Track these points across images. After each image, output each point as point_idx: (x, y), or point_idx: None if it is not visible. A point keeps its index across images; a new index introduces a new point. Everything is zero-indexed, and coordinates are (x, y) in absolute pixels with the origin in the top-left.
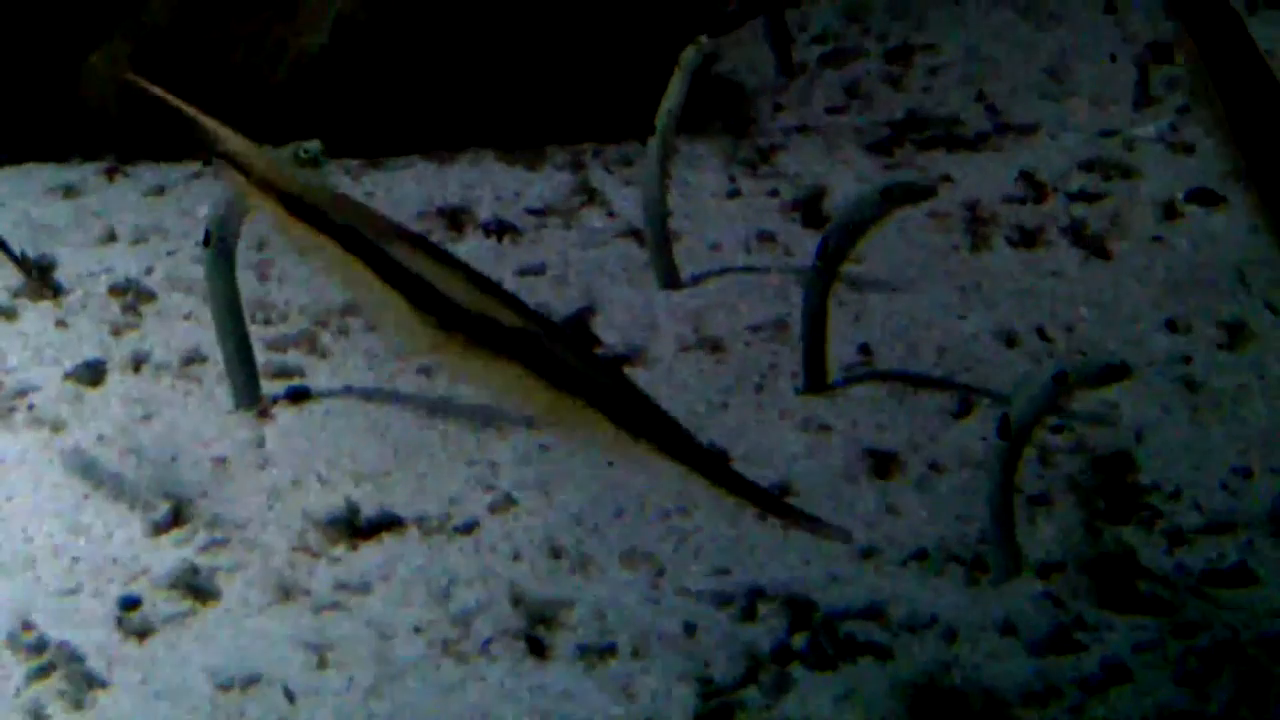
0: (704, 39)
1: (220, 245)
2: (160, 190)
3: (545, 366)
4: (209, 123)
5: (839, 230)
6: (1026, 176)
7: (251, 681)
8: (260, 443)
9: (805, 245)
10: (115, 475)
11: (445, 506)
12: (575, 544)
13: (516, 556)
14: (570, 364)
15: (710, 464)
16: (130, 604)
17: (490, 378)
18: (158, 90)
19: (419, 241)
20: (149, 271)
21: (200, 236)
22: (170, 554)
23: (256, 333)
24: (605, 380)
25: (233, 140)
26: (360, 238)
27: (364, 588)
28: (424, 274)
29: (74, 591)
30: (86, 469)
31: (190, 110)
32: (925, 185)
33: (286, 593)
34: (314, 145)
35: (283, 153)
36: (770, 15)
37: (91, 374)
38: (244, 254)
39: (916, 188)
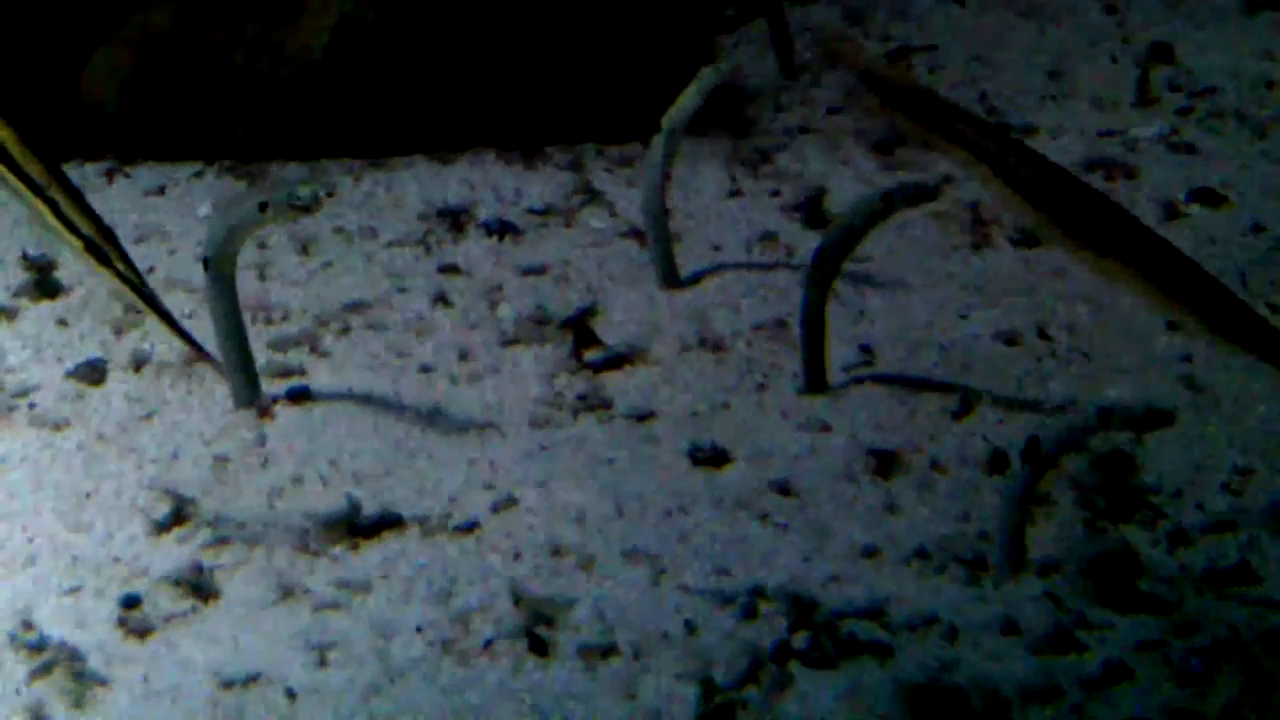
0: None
1: (219, 270)
2: (161, 190)
3: (1137, 258)
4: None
5: (838, 232)
6: None
7: (252, 680)
8: (261, 442)
9: (806, 245)
10: (116, 474)
11: (446, 505)
12: (576, 543)
13: (517, 556)
14: (1159, 257)
15: None
16: (131, 603)
17: (1088, 262)
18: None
19: (1031, 154)
20: (150, 271)
21: (200, 235)
22: (171, 553)
23: (257, 332)
24: (1191, 275)
25: (877, 64)
26: (979, 144)
27: (365, 587)
28: (1034, 177)
29: (75, 590)
30: (88, 468)
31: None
32: (928, 187)
33: (287, 592)
34: (307, 191)
35: (277, 196)
36: (772, 16)
37: (93, 373)
38: (245, 253)
39: (919, 190)
